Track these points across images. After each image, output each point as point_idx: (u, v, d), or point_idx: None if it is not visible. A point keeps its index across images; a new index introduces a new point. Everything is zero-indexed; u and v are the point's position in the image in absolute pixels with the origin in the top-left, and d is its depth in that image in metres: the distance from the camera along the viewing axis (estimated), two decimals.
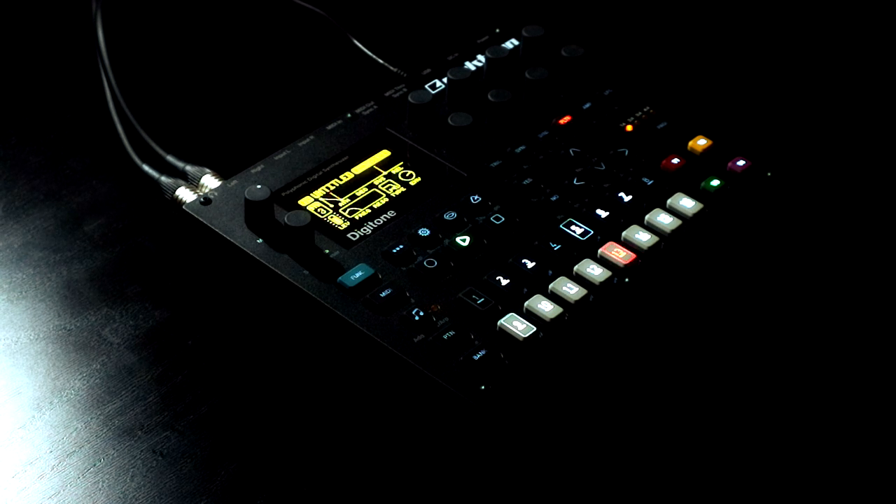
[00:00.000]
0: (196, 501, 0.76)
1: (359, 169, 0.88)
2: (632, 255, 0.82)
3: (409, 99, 0.91)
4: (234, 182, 0.87)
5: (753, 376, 0.81)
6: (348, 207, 0.86)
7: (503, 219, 0.84)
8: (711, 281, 0.85)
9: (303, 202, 0.86)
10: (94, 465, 0.77)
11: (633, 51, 1.04)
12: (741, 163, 0.88)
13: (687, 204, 0.85)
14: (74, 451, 0.78)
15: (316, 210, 0.85)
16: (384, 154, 0.89)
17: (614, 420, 0.79)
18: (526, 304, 0.79)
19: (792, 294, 0.85)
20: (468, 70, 0.94)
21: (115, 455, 0.78)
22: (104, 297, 0.86)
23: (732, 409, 0.80)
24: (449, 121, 0.89)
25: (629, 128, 0.91)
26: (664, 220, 0.84)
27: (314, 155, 0.89)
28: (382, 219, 0.85)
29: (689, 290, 0.84)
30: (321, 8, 1.03)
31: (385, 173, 0.88)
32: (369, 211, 0.85)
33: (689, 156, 0.89)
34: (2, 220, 0.91)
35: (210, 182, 0.89)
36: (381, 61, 1.00)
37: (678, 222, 0.84)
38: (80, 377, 0.82)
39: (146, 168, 0.91)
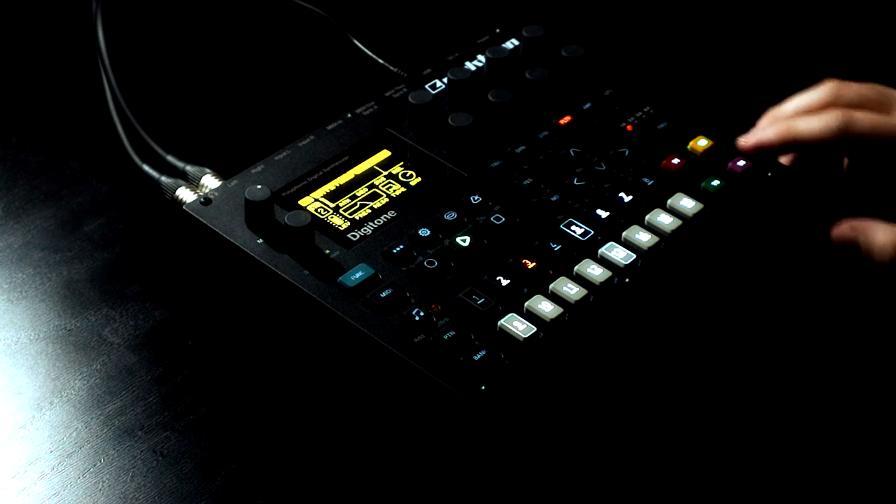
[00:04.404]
0: (196, 502, 0.76)
1: (359, 169, 0.88)
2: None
3: (409, 99, 0.91)
4: (234, 182, 0.87)
5: (753, 376, 0.81)
6: (348, 207, 0.86)
7: (503, 219, 0.84)
8: (711, 281, 0.85)
9: (303, 202, 0.86)
10: (94, 465, 0.77)
11: (633, 51, 1.04)
12: (741, 163, 0.88)
13: (687, 204, 0.85)
14: (74, 451, 0.78)
15: (316, 210, 0.85)
16: (384, 154, 0.89)
17: (614, 420, 0.79)
18: (526, 304, 0.79)
19: (792, 294, 0.85)
20: (468, 70, 0.94)
21: (115, 455, 0.78)
22: (104, 297, 0.86)
23: (732, 409, 0.80)
24: (449, 121, 0.89)
25: (629, 128, 0.91)
26: (664, 220, 0.84)
27: (314, 155, 0.89)
28: (382, 219, 0.85)
29: (689, 290, 0.84)
30: (321, 8, 1.03)
31: (385, 173, 0.88)
32: (369, 211, 0.85)
33: (689, 156, 0.89)
34: (2, 220, 0.91)
35: (210, 182, 0.89)
36: (381, 61, 1.00)
37: (678, 222, 0.84)
38: (80, 377, 0.82)
39: (146, 168, 0.91)
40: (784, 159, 0.89)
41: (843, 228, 0.84)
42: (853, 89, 0.86)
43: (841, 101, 0.86)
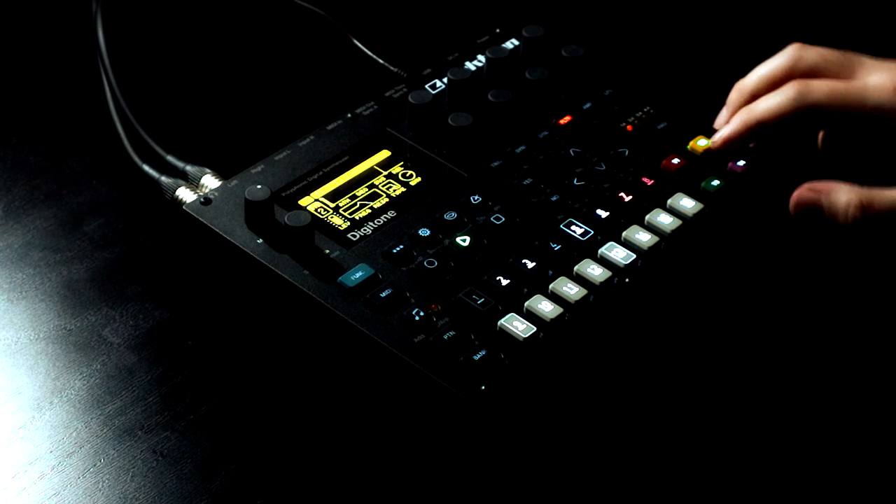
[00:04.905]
0: (196, 502, 0.76)
1: (359, 169, 0.88)
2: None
3: (409, 99, 0.91)
4: (234, 182, 0.87)
5: (753, 376, 0.81)
6: (348, 207, 0.86)
7: (503, 219, 0.84)
8: (711, 281, 0.85)
9: (303, 202, 0.86)
10: (94, 465, 0.77)
11: (633, 51, 1.04)
12: (741, 163, 0.88)
13: (687, 204, 0.85)
14: (74, 451, 0.78)
15: (316, 210, 0.85)
16: (384, 154, 0.89)
17: (614, 420, 0.79)
18: (526, 304, 0.79)
19: (792, 294, 0.85)
20: (468, 70, 0.94)
21: (115, 455, 0.78)
22: (104, 297, 0.86)
23: (732, 410, 0.80)
24: (449, 121, 0.89)
25: (629, 128, 0.91)
26: (664, 220, 0.84)
27: (314, 155, 0.89)
28: (382, 219, 0.85)
29: (689, 290, 0.84)
30: (321, 8, 1.03)
31: (385, 173, 0.88)
32: (369, 211, 0.85)
33: (689, 156, 0.89)
34: (2, 220, 0.91)
35: (210, 182, 0.89)
36: (381, 61, 1.00)
37: (678, 222, 0.84)
38: (80, 377, 0.82)
39: (146, 168, 0.91)
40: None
41: (804, 192, 0.83)
42: (815, 52, 0.86)
43: (802, 65, 0.85)
